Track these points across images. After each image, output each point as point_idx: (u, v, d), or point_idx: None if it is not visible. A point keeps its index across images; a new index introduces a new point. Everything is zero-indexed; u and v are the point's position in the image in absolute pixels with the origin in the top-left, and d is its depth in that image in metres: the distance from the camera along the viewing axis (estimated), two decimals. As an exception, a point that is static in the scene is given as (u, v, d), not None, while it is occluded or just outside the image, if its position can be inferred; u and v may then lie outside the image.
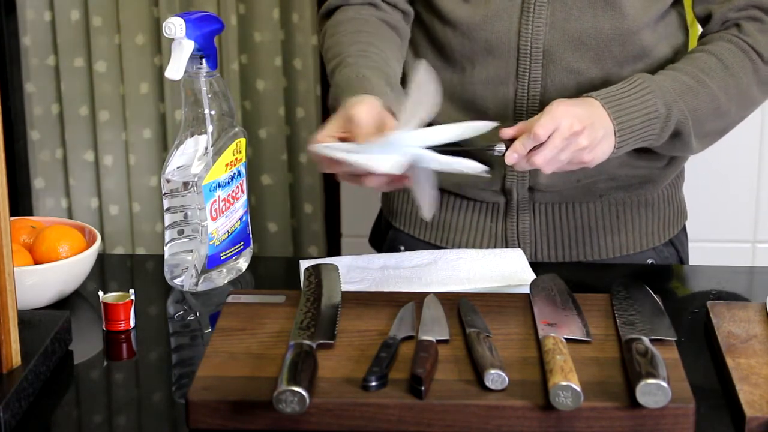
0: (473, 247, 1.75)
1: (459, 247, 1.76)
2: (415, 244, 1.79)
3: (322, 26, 1.76)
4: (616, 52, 1.64)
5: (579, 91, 1.64)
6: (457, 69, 1.69)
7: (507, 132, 1.48)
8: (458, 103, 1.69)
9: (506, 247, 1.74)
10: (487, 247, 1.75)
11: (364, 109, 1.43)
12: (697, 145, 1.64)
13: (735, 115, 1.65)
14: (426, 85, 1.37)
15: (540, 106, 1.64)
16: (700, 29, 1.73)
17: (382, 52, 1.65)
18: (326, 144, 1.42)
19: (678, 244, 1.80)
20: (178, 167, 1.59)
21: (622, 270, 1.69)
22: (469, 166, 1.39)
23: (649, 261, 1.76)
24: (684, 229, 1.83)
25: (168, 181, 1.58)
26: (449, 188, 1.75)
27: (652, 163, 1.71)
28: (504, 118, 1.66)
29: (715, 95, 1.61)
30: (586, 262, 1.74)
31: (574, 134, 1.47)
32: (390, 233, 1.84)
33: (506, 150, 1.46)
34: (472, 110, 1.69)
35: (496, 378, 1.24)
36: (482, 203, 1.74)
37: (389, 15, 1.74)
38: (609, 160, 1.55)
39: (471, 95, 1.68)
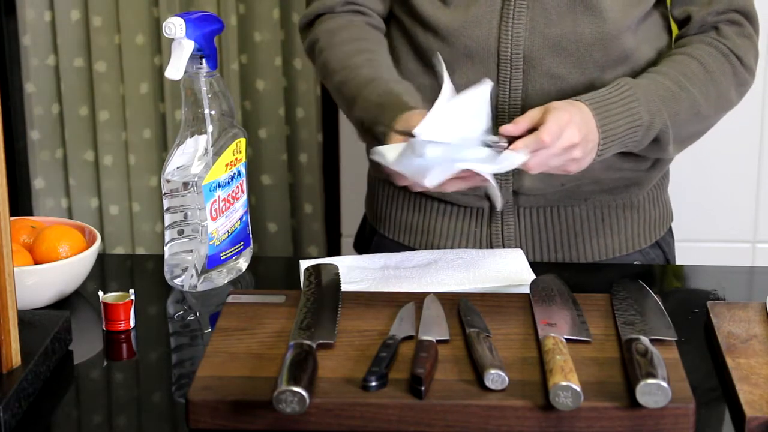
0: (449, 248, 1.75)
1: (435, 249, 1.75)
2: (400, 250, 1.77)
3: (307, 34, 1.76)
4: (597, 56, 1.64)
5: (560, 96, 1.63)
6: (437, 74, 1.68)
7: (508, 129, 1.48)
8: None
9: (482, 247, 1.74)
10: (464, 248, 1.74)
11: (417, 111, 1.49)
12: (674, 149, 1.65)
13: (713, 118, 1.67)
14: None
15: (521, 111, 1.64)
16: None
17: (386, 61, 1.68)
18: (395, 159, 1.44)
19: (665, 245, 1.80)
20: (178, 167, 1.59)
21: (621, 270, 1.69)
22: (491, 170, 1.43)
23: (636, 263, 1.76)
24: (670, 230, 1.83)
25: (168, 181, 1.58)
26: (433, 194, 1.74)
27: (636, 166, 1.71)
28: None
29: (696, 100, 1.62)
30: (573, 263, 1.74)
31: (572, 146, 1.48)
32: (375, 239, 1.83)
33: (507, 146, 1.46)
34: None
35: (496, 378, 1.24)
36: (466, 208, 1.74)
37: (375, 20, 1.75)
38: (593, 164, 1.55)
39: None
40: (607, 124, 1.54)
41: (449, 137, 1.41)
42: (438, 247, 1.75)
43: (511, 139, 1.47)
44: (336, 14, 1.73)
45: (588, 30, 1.63)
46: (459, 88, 1.65)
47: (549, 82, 1.64)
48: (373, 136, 1.60)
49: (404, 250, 1.76)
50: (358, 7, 1.74)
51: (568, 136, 1.47)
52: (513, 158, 1.44)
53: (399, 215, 1.79)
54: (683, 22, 1.71)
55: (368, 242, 1.85)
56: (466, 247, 1.74)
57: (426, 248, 1.76)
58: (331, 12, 1.74)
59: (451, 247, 1.75)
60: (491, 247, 1.73)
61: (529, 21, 1.63)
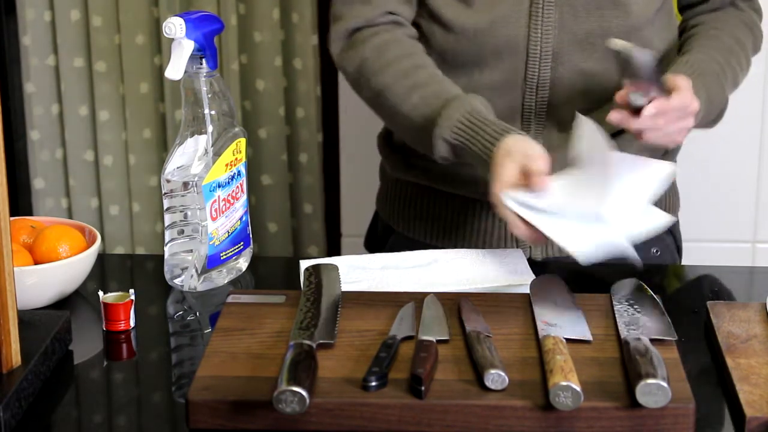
0: (472, 244, 1.75)
1: (458, 246, 1.76)
2: (414, 245, 1.78)
3: (344, 50, 1.67)
4: None
5: (586, 91, 1.66)
6: (461, 74, 1.67)
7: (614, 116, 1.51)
8: None
9: (504, 244, 1.74)
10: (486, 245, 1.75)
11: (540, 157, 1.46)
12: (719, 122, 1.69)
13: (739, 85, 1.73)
14: (595, 141, 1.43)
15: (548, 107, 1.66)
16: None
17: (443, 74, 1.65)
18: (520, 202, 1.45)
19: (675, 232, 1.83)
20: (178, 167, 1.59)
21: (622, 270, 1.69)
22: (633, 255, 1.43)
23: (654, 250, 1.76)
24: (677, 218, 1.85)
25: (168, 181, 1.58)
26: (446, 189, 1.75)
27: (649, 155, 1.71)
28: (511, 122, 1.66)
29: (736, 72, 1.69)
30: (575, 262, 1.74)
31: (692, 113, 1.53)
32: (391, 238, 1.83)
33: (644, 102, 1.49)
34: None
35: (496, 378, 1.24)
36: (479, 202, 1.74)
37: (411, 31, 1.70)
38: None
39: None
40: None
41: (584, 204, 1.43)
42: (456, 243, 1.76)
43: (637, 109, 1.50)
44: (381, 28, 1.66)
45: (615, 24, 1.64)
46: (486, 87, 1.65)
47: (576, 77, 1.66)
48: (458, 153, 1.58)
49: (422, 247, 1.75)
50: (397, 18, 1.67)
51: (695, 104, 1.52)
52: (655, 218, 1.47)
53: (416, 212, 1.80)
54: (698, 2, 1.76)
55: (382, 241, 1.86)
56: (478, 240, 1.75)
57: (444, 244, 1.77)
58: (372, 25, 1.66)
59: (469, 243, 1.75)
60: (504, 240, 1.74)
61: (558, 18, 1.64)
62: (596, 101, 1.66)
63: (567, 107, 1.66)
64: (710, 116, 1.63)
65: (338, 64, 1.70)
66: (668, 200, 1.80)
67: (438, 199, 1.77)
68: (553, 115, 1.67)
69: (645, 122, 1.49)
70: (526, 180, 1.45)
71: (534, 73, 1.65)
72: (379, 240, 1.87)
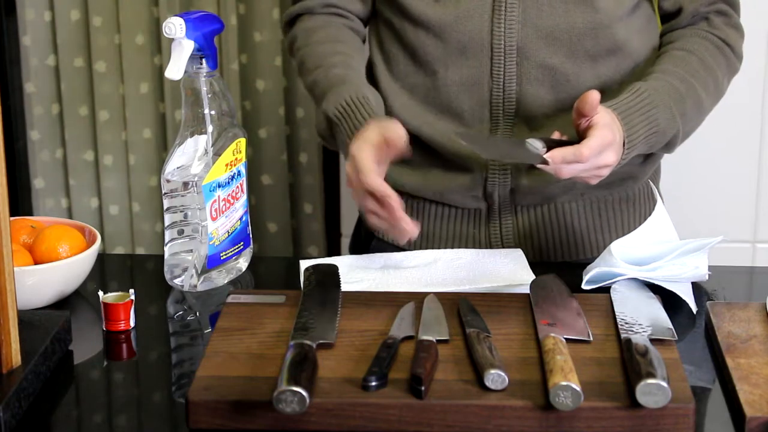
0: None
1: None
2: (395, 251, 1.78)
3: (287, 33, 1.79)
4: (588, 46, 1.65)
5: (554, 87, 1.65)
6: (430, 72, 1.69)
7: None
8: (434, 107, 1.69)
9: (479, 247, 1.74)
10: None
11: (396, 124, 1.51)
12: (677, 146, 1.68)
13: (710, 110, 1.70)
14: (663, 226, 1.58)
15: (516, 103, 1.65)
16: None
17: (359, 65, 1.69)
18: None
19: None
20: (178, 167, 1.59)
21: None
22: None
23: None
24: None
25: (168, 181, 1.58)
26: (430, 197, 1.74)
27: (631, 160, 1.71)
28: (480, 120, 1.67)
29: (700, 97, 1.65)
30: (572, 262, 1.74)
31: (606, 166, 1.51)
32: (373, 243, 1.83)
33: (546, 149, 1.48)
34: (449, 113, 1.68)
35: (496, 378, 1.24)
36: (464, 210, 1.74)
37: (355, 23, 1.77)
38: None
39: (446, 98, 1.68)
40: (632, 134, 1.56)
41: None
42: (431, 249, 1.75)
43: (550, 144, 1.48)
44: (315, 15, 1.75)
45: (580, 20, 1.64)
46: (453, 84, 1.66)
47: (542, 73, 1.65)
48: (333, 131, 1.62)
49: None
50: (337, 10, 1.76)
51: (605, 157, 1.50)
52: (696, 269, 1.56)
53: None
54: (674, 14, 1.73)
55: (365, 245, 1.85)
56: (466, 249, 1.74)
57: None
58: (311, 13, 1.76)
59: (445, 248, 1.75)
60: (491, 247, 1.73)
61: (521, 13, 1.64)
62: (564, 97, 1.65)
63: (535, 103, 1.66)
64: (657, 145, 1.62)
65: (283, 37, 1.84)
66: (652, 207, 1.79)
67: (414, 206, 1.76)
68: (521, 112, 1.66)
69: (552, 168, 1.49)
70: (388, 148, 1.50)
71: (500, 69, 1.65)
72: (362, 244, 1.87)
